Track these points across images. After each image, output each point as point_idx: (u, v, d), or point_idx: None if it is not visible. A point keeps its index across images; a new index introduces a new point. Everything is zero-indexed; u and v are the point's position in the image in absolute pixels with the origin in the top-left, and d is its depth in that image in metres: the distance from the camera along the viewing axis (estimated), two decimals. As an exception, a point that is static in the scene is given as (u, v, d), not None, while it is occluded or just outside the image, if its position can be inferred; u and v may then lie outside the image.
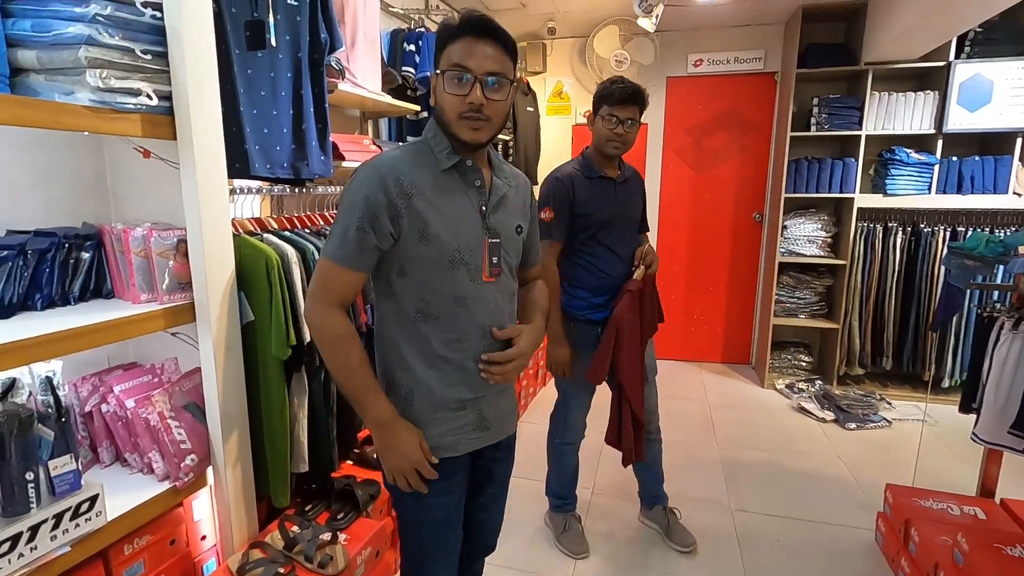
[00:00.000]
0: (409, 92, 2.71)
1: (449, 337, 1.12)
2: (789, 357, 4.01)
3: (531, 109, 4.10)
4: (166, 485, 1.41)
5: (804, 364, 3.99)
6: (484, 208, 1.12)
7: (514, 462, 1.37)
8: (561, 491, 2.26)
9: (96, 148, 1.54)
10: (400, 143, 2.56)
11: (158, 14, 1.30)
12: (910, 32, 2.86)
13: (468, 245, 1.09)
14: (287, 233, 1.71)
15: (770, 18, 3.79)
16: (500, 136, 3.60)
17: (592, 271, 1.95)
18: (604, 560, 2.11)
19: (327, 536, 1.56)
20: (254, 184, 1.79)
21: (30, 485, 1.12)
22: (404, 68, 2.63)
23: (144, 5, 1.26)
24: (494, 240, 1.12)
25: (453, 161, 1.09)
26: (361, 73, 2.26)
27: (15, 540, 1.08)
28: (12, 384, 1.10)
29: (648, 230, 2.17)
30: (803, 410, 3.46)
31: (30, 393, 1.14)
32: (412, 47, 2.67)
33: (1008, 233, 3.15)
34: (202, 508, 1.56)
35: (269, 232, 1.68)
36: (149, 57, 1.29)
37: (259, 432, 1.60)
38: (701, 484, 2.62)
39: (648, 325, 1.99)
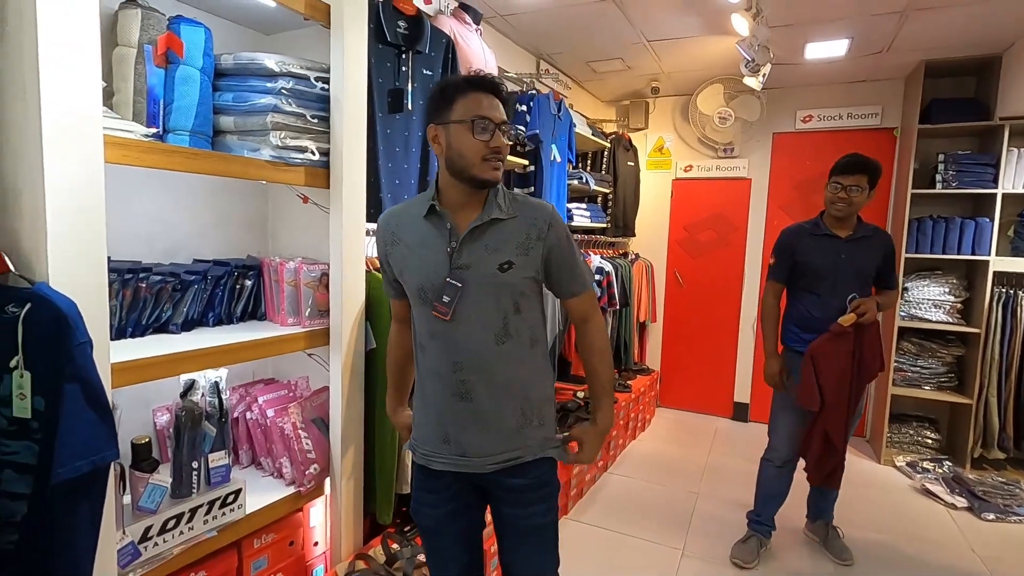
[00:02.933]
0: (519, 148, 2.92)
1: (430, 368, 1.23)
2: (911, 432, 3.63)
3: (631, 163, 4.21)
4: (292, 490, 1.58)
5: (930, 441, 3.59)
6: (451, 250, 1.17)
7: (547, 514, 1.27)
8: (756, 508, 2.47)
9: (263, 195, 1.84)
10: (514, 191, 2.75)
11: (326, 86, 1.56)
12: (1053, 86, 2.67)
13: (433, 285, 1.17)
14: (408, 271, 1.91)
15: (888, 73, 3.67)
16: (599, 188, 3.75)
17: (803, 311, 2.28)
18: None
19: (423, 557, 1.64)
20: (374, 226, 2.03)
21: (194, 473, 1.32)
22: (516, 126, 2.85)
23: (316, 79, 1.54)
24: (452, 281, 1.16)
25: (427, 207, 1.20)
26: (478, 131, 2.49)
27: (179, 518, 1.28)
28: (192, 384, 1.33)
29: (894, 287, 2.33)
30: (928, 492, 3.10)
31: (201, 394, 1.36)
32: (524, 107, 2.90)
33: None
34: (317, 516, 1.72)
35: (393, 270, 1.88)
36: (316, 121, 1.55)
37: (371, 451, 1.75)
38: (806, 561, 2.42)
39: (867, 368, 2.18)
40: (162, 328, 1.45)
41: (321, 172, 1.59)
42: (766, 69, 3.03)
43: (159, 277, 1.43)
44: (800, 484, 2.44)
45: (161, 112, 1.39)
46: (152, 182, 1.54)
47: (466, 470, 1.22)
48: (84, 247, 1.03)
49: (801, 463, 2.36)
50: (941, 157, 3.38)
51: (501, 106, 1.17)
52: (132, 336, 1.38)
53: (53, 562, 0.96)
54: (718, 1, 2.38)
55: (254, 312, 1.71)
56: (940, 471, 3.28)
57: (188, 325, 1.50)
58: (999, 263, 3.23)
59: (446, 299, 1.16)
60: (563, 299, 1.30)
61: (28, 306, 0.95)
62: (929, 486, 3.13)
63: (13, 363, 0.95)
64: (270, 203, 1.86)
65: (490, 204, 1.19)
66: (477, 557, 1.35)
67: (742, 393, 4.30)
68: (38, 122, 0.96)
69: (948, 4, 2.58)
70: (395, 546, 1.68)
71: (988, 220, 3.26)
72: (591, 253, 3.54)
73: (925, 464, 3.37)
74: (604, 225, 3.92)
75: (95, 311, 1.04)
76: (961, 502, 2.96)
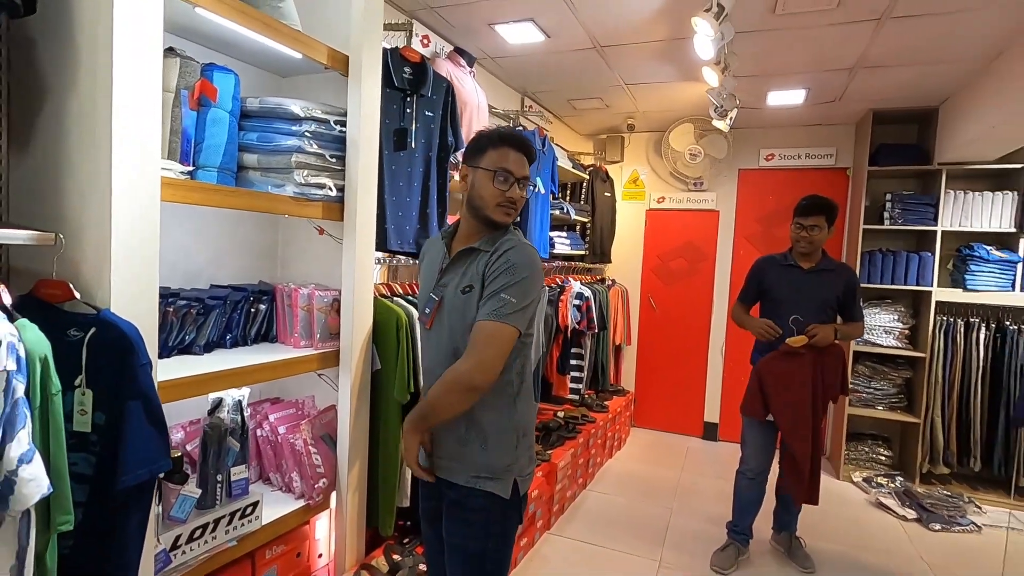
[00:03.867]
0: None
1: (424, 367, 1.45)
2: (867, 449, 3.89)
3: (608, 194, 4.45)
4: (301, 503, 1.68)
5: (883, 458, 3.86)
6: (441, 269, 1.38)
7: (471, 538, 1.29)
8: (734, 518, 2.67)
9: (274, 225, 1.97)
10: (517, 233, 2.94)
11: (343, 128, 1.71)
12: (983, 137, 3.00)
13: (424, 296, 1.41)
14: (410, 297, 2.05)
15: (841, 120, 4.02)
16: (579, 218, 3.97)
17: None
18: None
19: (424, 567, 1.75)
20: (377, 255, 2.17)
21: (218, 485, 1.42)
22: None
23: (335, 122, 1.69)
24: (433, 295, 1.36)
25: (444, 236, 1.44)
26: (471, 166, 2.67)
27: (204, 528, 1.37)
28: (220, 402, 1.43)
29: (857, 319, 2.53)
30: (882, 505, 3.34)
31: (227, 411, 1.47)
32: (511, 143, 3.09)
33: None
34: (322, 529, 1.81)
35: (397, 296, 2.02)
36: (334, 160, 1.70)
37: (375, 466, 1.86)
38: (773, 570, 2.60)
39: (828, 390, 2.41)
40: (186, 350, 1.55)
41: (336, 206, 1.73)
42: (733, 113, 3.31)
43: (184, 302, 1.54)
44: (768, 498, 2.63)
45: (192, 150, 1.52)
46: (179, 213, 1.65)
47: (436, 472, 1.34)
48: (141, 277, 1.15)
49: (774, 474, 2.57)
50: (888, 196, 3.71)
51: (527, 164, 1.34)
52: (160, 358, 1.47)
53: (108, 564, 1.05)
54: (691, 55, 2.63)
55: (266, 335, 1.82)
56: (892, 486, 3.53)
57: (209, 347, 1.61)
58: (940, 294, 3.55)
59: (427, 310, 1.37)
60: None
61: (93, 330, 1.06)
62: (883, 499, 3.37)
63: (77, 382, 1.06)
64: (280, 233, 1.98)
65: (485, 238, 1.32)
66: None
67: (712, 413, 4.52)
68: (108, 166, 1.09)
69: (890, 64, 2.90)
70: (397, 556, 1.78)
71: (930, 254, 3.59)
72: (571, 279, 3.73)
73: (879, 479, 3.62)
74: (583, 252, 4.13)
75: (147, 334, 1.15)
76: (911, 514, 3.21)
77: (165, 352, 1.49)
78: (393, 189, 2.06)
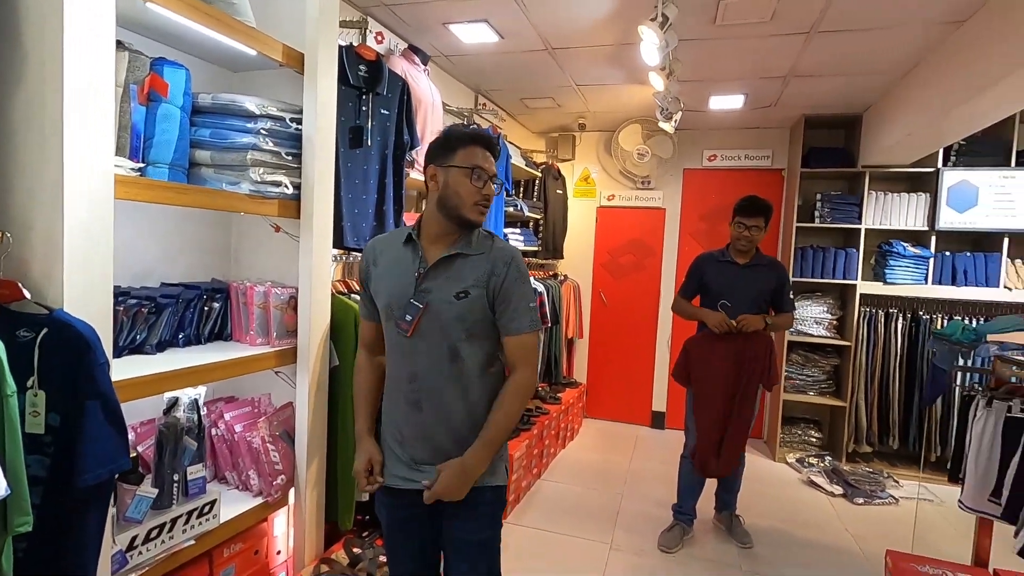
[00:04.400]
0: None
1: (393, 376, 1.38)
2: (800, 432, 4.17)
3: (560, 192, 4.56)
4: (259, 500, 1.68)
5: (814, 440, 4.15)
6: (418, 274, 1.31)
7: (485, 530, 1.36)
8: (679, 500, 2.82)
9: (227, 222, 1.94)
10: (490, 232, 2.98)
11: (299, 126, 1.72)
12: (900, 143, 3.27)
13: (398, 302, 1.32)
14: (367, 294, 2.07)
15: (776, 123, 4.27)
16: (531, 215, 4.05)
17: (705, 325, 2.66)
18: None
19: (384, 558, 1.79)
20: (333, 252, 2.17)
21: (175, 485, 1.41)
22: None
23: (291, 120, 1.69)
24: (414, 302, 1.29)
25: (405, 236, 1.37)
26: (426, 163, 2.69)
27: (161, 528, 1.36)
28: (176, 401, 1.42)
29: (788, 310, 2.70)
30: (813, 484, 3.60)
31: (183, 410, 1.46)
32: (466, 141, 3.13)
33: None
34: (280, 526, 1.81)
35: (354, 293, 2.03)
36: (290, 158, 1.70)
37: (333, 462, 1.87)
38: (714, 546, 2.78)
39: (752, 374, 2.55)
40: (137, 349, 1.52)
41: (292, 204, 1.73)
42: (677, 116, 3.47)
43: (135, 301, 1.51)
44: (711, 481, 2.80)
45: (141, 146, 1.49)
46: (127, 210, 1.61)
47: (410, 487, 1.32)
48: (95, 275, 1.14)
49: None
50: (819, 196, 3.98)
51: (494, 161, 1.35)
52: (112, 358, 1.44)
53: (65, 564, 1.05)
54: (638, 60, 2.75)
55: (220, 333, 1.80)
56: (822, 465, 3.81)
57: (161, 346, 1.58)
58: (864, 287, 3.84)
59: (408, 317, 1.29)
60: (504, 336, 1.32)
61: (45, 330, 1.05)
62: (814, 478, 3.63)
63: (29, 383, 1.04)
64: (234, 230, 1.96)
65: (463, 240, 1.33)
66: (430, 570, 1.43)
67: (659, 403, 4.72)
68: (59, 163, 1.07)
69: (819, 74, 3.12)
70: (357, 549, 1.81)
71: (855, 250, 3.88)
72: (525, 275, 3.81)
73: (811, 460, 3.90)
74: (536, 248, 4.22)
75: (103, 334, 1.14)
76: (838, 490, 3.48)
77: (116, 352, 1.46)
78: (349, 187, 2.07)
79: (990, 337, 1.97)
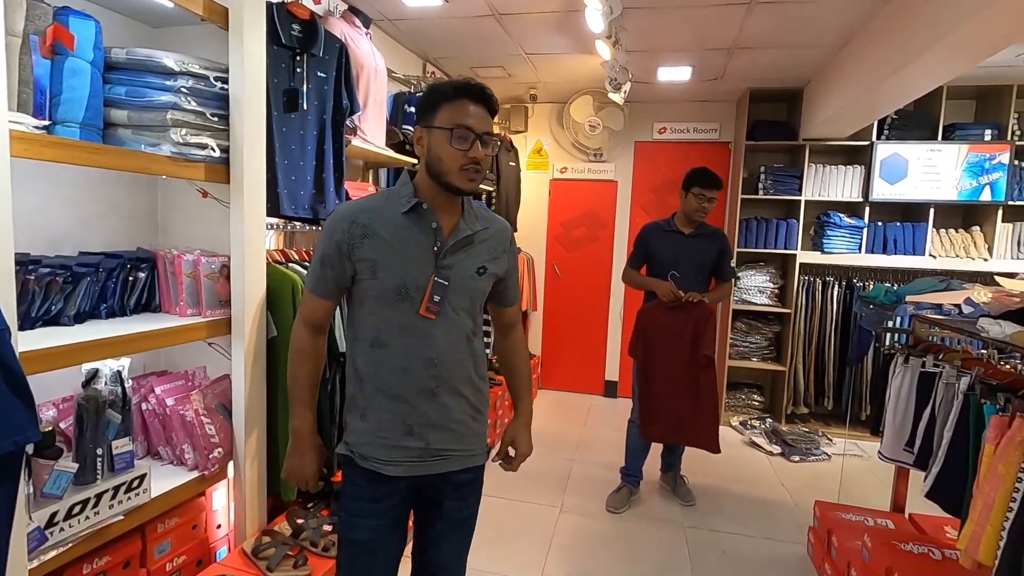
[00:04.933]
0: (408, 147, 3.08)
1: (396, 366, 1.19)
2: (743, 397, 4.36)
3: (513, 164, 4.52)
4: (195, 474, 1.64)
5: (757, 403, 4.34)
6: (438, 248, 1.18)
7: (477, 504, 1.38)
8: (626, 463, 2.91)
9: (151, 187, 1.84)
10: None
11: (225, 86, 1.63)
12: (837, 116, 3.38)
13: (415, 281, 1.17)
14: (305, 263, 2.01)
15: (723, 96, 4.34)
16: (484, 187, 4.01)
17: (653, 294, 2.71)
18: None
19: (329, 527, 1.78)
20: (272, 220, 2.10)
21: (99, 459, 1.36)
22: (404, 126, 3.00)
23: (215, 79, 1.60)
24: (440, 280, 1.17)
25: (411, 204, 1.18)
26: (370, 131, 2.62)
27: (84, 504, 1.31)
28: (95, 374, 1.36)
29: (728, 278, 2.79)
30: (754, 444, 3.78)
31: (104, 383, 1.39)
32: (412, 108, 3.06)
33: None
34: (219, 500, 1.78)
35: (292, 262, 1.98)
36: (216, 119, 1.62)
37: (274, 434, 1.84)
38: (659, 505, 2.89)
39: (701, 350, 2.59)
40: (52, 321, 1.44)
41: (221, 168, 1.65)
42: (627, 87, 3.48)
43: (48, 269, 1.42)
44: (656, 444, 2.90)
45: (47, 103, 1.39)
46: (32, 172, 1.50)
47: (428, 471, 1.22)
48: (-8, 239, 1.06)
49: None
50: (762, 169, 4.10)
51: (488, 116, 1.18)
52: (21, 329, 1.36)
53: (-30, 542, 0.99)
54: (585, 28, 2.73)
55: (148, 304, 1.72)
56: (763, 427, 4.00)
57: (80, 318, 1.50)
58: (803, 256, 4.00)
59: (436, 298, 1.17)
60: (503, 307, 1.39)
61: (-65, 296, 0.98)
62: (755, 439, 3.82)
63: (-81, 352, 0.97)
64: (160, 196, 1.86)
65: (468, 211, 1.23)
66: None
67: (612, 372, 4.83)
68: (-58, 116, 0.98)
69: (761, 46, 3.18)
70: (300, 520, 1.80)
71: (796, 221, 4.02)
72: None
73: (753, 422, 4.08)
74: (488, 221, 4.19)
75: (4, 302, 1.07)
76: (776, 449, 3.66)
77: (28, 324, 1.38)
78: (285, 152, 1.99)
79: (908, 298, 2.09)
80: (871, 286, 3.92)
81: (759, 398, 4.36)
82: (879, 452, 2.17)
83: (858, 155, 4.01)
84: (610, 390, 4.84)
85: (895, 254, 3.87)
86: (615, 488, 2.90)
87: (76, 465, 1.29)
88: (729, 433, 4.03)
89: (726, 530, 2.67)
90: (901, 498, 2.39)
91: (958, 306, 1.83)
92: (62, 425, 1.45)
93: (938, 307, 1.91)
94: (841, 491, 3.02)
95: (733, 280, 2.92)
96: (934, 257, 3.80)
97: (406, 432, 1.21)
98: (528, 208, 4.79)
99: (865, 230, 3.90)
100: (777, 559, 2.44)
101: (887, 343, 2.32)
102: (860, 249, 3.92)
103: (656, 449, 2.96)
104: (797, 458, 3.56)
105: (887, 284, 3.59)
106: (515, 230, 4.60)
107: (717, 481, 3.21)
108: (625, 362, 4.73)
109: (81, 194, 1.65)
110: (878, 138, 3.84)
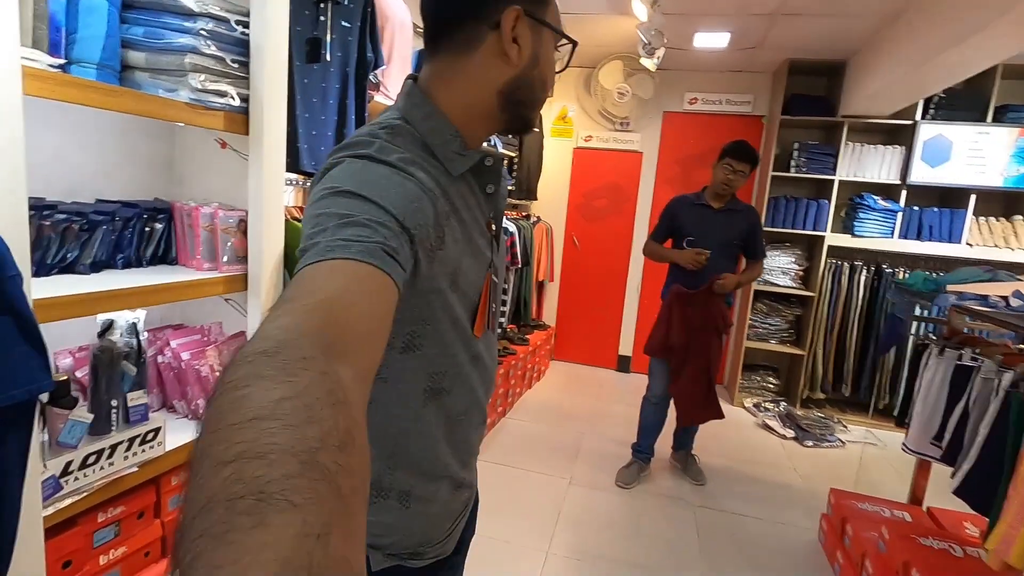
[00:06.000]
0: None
1: (465, 407, 0.80)
2: (758, 379, 4.30)
3: (536, 130, 4.40)
4: (209, 429, 1.63)
5: (772, 386, 4.29)
6: (494, 228, 0.79)
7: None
8: (638, 439, 2.89)
9: (170, 136, 1.79)
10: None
11: (247, 31, 1.55)
12: (882, 92, 3.21)
13: (476, 285, 0.75)
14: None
15: (760, 67, 4.15)
16: (506, 152, 3.91)
17: (678, 270, 2.64)
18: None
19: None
20: (291, 176, 2.04)
21: (113, 411, 1.34)
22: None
23: (237, 23, 1.52)
24: (495, 279, 0.78)
25: (472, 161, 0.72)
26: (393, 87, 2.52)
27: (99, 454, 1.30)
28: (111, 324, 1.33)
29: (759, 257, 2.73)
30: (767, 427, 3.74)
31: (120, 334, 1.37)
32: (437, 67, 2.95)
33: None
34: (233, 455, 1.78)
35: (311, 220, 1.93)
36: (236, 65, 1.54)
37: (288, 393, 1.82)
38: (669, 483, 2.88)
39: (719, 321, 2.58)
40: (68, 269, 1.41)
41: (240, 118, 1.59)
42: (660, 52, 3.33)
43: (64, 215, 1.38)
44: (670, 422, 2.87)
45: (63, 41, 1.32)
46: (52, 116, 1.46)
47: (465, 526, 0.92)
48: (4, 182, 1.01)
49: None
50: (796, 145, 3.94)
51: None
52: (37, 276, 1.33)
53: (-16, 489, 0.98)
54: (622, -15, 2.59)
55: (164, 257, 1.69)
56: (777, 410, 3.95)
57: (97, 267, 1.47)
58: (832, 238, 3.88)
59: (493, 306, 0.80)
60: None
61: (-55, 238, 0.94)
62: (768, 422, 3.77)
63: (-71, 296, 0.94)
64: (177, 145, 1.81)
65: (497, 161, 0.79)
66: None
67: (626, 347, 4.79)
68: (-50, 46, 0.92)
69: (808, 13, 3.00)
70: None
71: (827, 202, 3.88)
72: (496, 214, 3.70)
73: (766, 404, 4.04)
74: (509, 188, 4.11)
75: (17, 247, 1.03)
76: (790, 433, 3.62)
77: (43, 271, 1.36)
78: (306, 105, 1.92)
79: (950, 287, 2.00)
80: (903, 273, 3.79)
81: (774, 381, 4.30)
82: (903, 444, 2.11)
83: (899, 135, 3.82)
84: (623, 365, 4.80)
85: (930, 240, 3.72)
86: (625, 463, 2.89)
87: (91, 415, 1.28)
88: (741, 414, 4.00)
89: (736, 511, 2.65)
90: (920, 491, 2.34)
91: (1005, 298, 1.73)
92: (78, 375, 1.44)
93: (983, 298, 1.81)
94: (856, 480, 2.98)
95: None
96: (971, 246, 3.66)
97: (456, 486, 0.85)
98: (550, 176, 4.68)
99: (900, 214, 3.75)
100: (787, 544, 2.42)
101: (920, 333, 2.23)
102: (893, 234, 3.78)
103: (668, 427, 2.93)
104: (810, 443, 3.52)
105: (925, 272, 3.47)
106: (535, 198, 4.52)
107: (728, 462, 3.18)
108: (640, 338, 4.68)
109: (98, 140, 1.60)
110: (923, 118, 3.65)
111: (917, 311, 2.20)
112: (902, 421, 2.19)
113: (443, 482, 0.82)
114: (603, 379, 4.59)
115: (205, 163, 1.77)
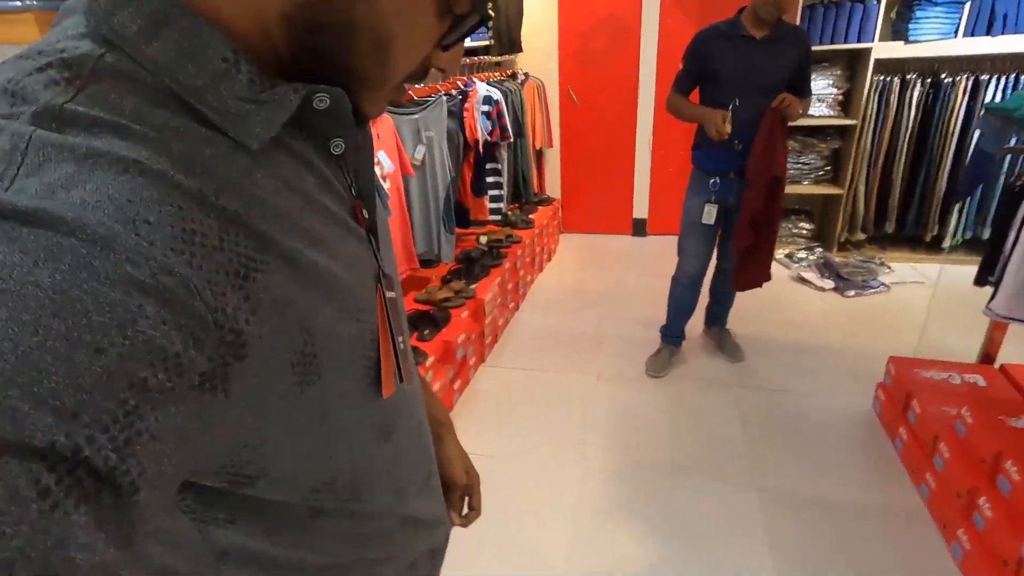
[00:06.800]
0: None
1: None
2: (789, 225, 3.91)
3: (510, -41, 3.54)
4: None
5: (804, 231, 3.91)
6: (365, 214, 0.44)
7: None
8: (667, 323, 2.60)
9: None
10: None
11: None
12: None
13: (362, 331, 0.43)
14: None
15: None
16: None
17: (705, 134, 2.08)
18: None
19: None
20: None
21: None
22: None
23: None
24: (392, 293, 0.46)
25: (286, 108, 0.34)
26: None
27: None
28: None
29: (807, 95, 2.21)
30: (802, 280, 3.44)
31: None
32: None
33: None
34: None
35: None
36: None
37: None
38: (705, 364, 2.66)
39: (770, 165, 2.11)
40: None
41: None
42: None
43: None
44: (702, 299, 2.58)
45: None
46: None
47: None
48: None
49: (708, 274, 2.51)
50: (839, -70, 3.10)
51: None
52: None
53: None
54: None
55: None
56: (812, 258, 3.62)
57: None
58: (880, 49, 3.22)
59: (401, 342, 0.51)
60: None
61: None
62: (803, 274, 3.47)
63: None
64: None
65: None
66: None
67: (640, 209, 4.36)
68: None
69: None
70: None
71: (875, 2, 3.15)
72: (476, 80, 3.09)
73: (800, 254, 3.70)
74: (487, 43, 3.40)
75: None
76: (829, 284, 3.33)
77: None
78: None
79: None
80: (966, 82, 3.17)
81: (807, 225, 3.91)
82: (987, 307, 1.79)
83: None
84: (639, 228, 4.42)
85: (1003, 34, 3.05)
86: (654, 351, 2.65)
87: None
88: (774, 268, 3.67)
89: (779, 387, 2.45)
90: (994, 348, 2.07)
91: None
92: None
93: None
94: (905, 330, 2.73)
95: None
96: (1056, 34, 2.99)
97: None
98: (533, 20, 3.89)
99: (967, 5, 3.04)
100: (839, 417, 2.23)
101: (1016, 172, 1.79)
102: (957, 32, 3.10)
103: (702, 303, 2.63)
104: (852, 293, 3.24)
105: None
106: (520, 50, 3.80)
107: (763, 328, 2.93)
108: (656, 197, 4.23)
109: None
110: None
111: (1012, 141, 1.73)
112: (985, 278, 1.84)
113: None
114: (619, 248, 4.24)
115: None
